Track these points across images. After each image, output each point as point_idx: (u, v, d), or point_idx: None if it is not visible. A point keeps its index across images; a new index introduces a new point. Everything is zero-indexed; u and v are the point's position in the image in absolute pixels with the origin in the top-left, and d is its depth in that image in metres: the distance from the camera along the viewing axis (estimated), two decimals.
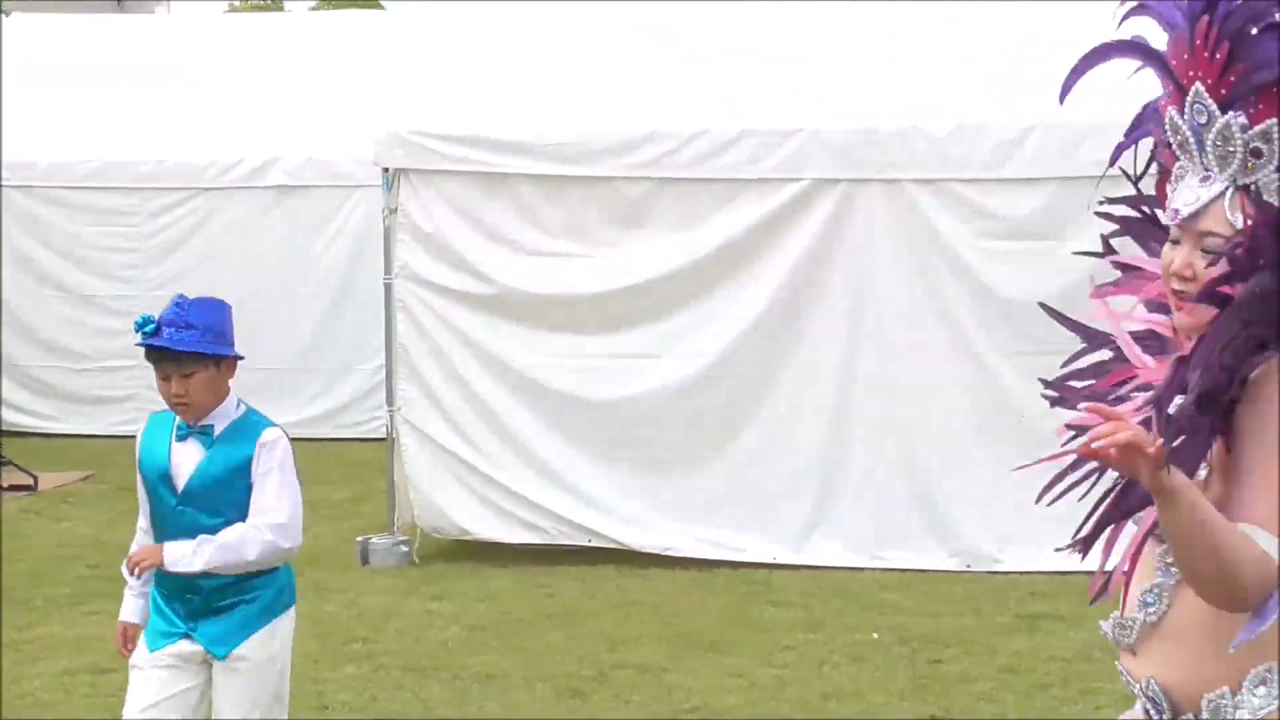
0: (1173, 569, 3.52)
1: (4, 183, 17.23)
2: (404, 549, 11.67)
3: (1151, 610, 3.58)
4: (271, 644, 6.08)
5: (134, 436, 6.24)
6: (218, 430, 5.99)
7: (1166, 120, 3.67)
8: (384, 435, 12.20)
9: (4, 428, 16.99)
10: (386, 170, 11.79)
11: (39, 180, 17.25)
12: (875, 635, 9.71)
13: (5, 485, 14.54)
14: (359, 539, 11.82)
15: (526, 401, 11.62)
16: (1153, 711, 3.61)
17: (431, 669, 9.15)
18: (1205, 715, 3.53)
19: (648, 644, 9.61)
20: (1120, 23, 3.76)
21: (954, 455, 10.89)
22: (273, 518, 5.93)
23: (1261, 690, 3.47)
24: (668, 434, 11.42)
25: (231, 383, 6.08)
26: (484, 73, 13.19)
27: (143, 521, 6.18)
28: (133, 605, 6.19)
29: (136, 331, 5.94)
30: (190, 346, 5.86)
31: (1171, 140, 3.67)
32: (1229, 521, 3.31)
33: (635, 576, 11.14)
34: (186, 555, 5.85)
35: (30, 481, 14.52)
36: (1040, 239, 10.59)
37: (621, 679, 8.93)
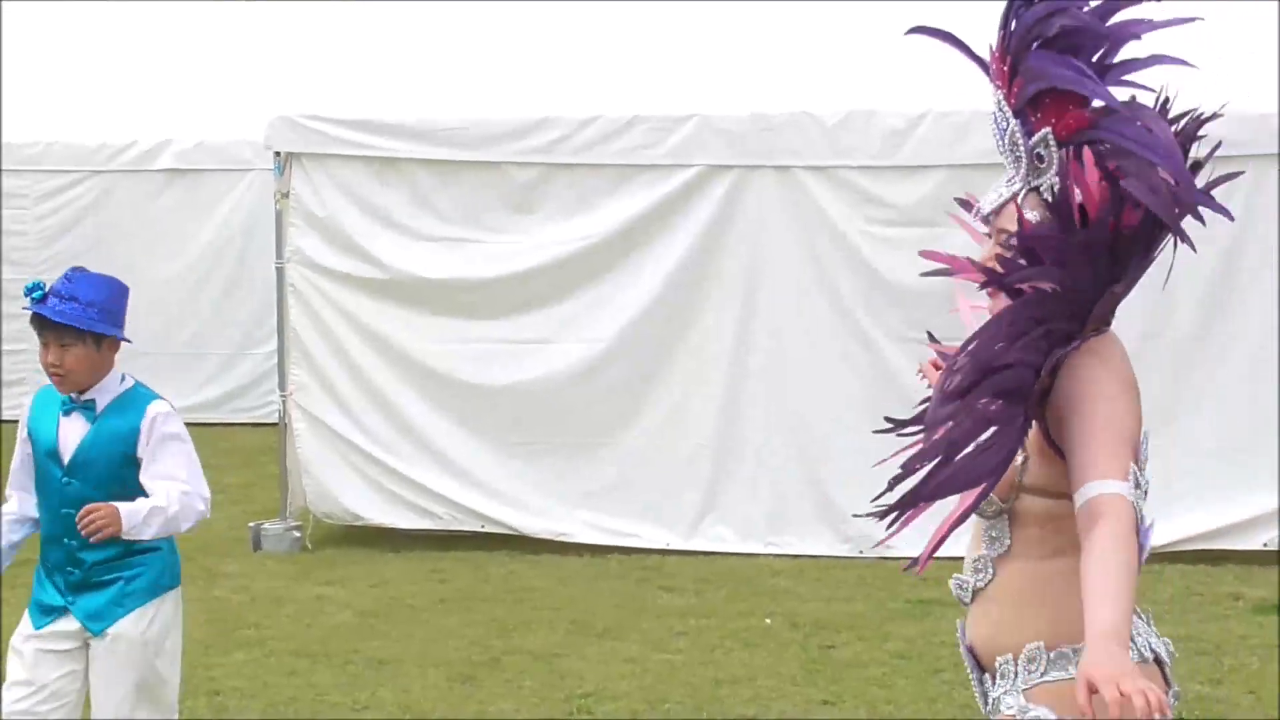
0: (996, 542, 3.96)
1: None
2: (296, 534, 11.65)
3: (980, 578, 4.00)
4: (150, 624, 6.03)
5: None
6: (100, 405, 5.99)
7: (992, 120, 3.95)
8: (276, 420, 12.15)
9: None
10: (278, 154, 11.74)
11: None
12: (768, 621, 9.77)
13: None
14: (251, 524, 11.79)
15: (420, 387, 11.60)
16: (969, 665, 4.06)
17: (323, 655, 9.14)
18: (997, 675, 3.96)
19: (540, 630, 9.63)
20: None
21: (845, 441, 10.94)
22: (197, 487, 5.97)
23: (1031, 665, 3.89)
24: (561, 420, 11.44)
25: (119, 361, 6.06)
26: (377, 56, 13.16)
27: (12, 490, 6.16)
28: None
29: (25, 296, 5.95)
30: (68, 319, 5.86)
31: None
32: (1097, 572, 3.51)
33: (528, 563, 11.16)
34: (139, 523, 5.82)
35: None
36: (929, 226, 10.65)
37: (514, 664, 8.95)
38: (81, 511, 5.79)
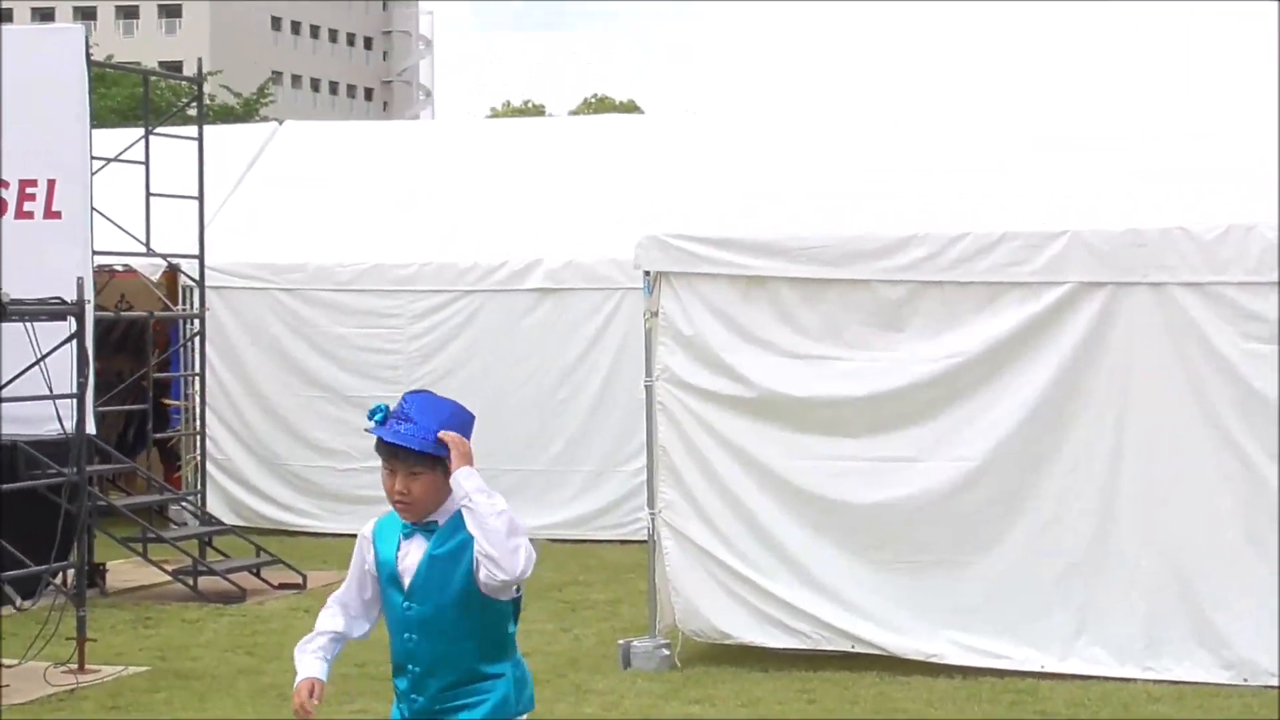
0: None
1: (273, 285, 17.66)
2: (665, 652, 11.68)
3: None
4: None
5: None
6: (441, 523, 5.84)
7: None
8: (644, 537, 12.24)
9: (271, 526, 17.36)
10: (648, 273, 11.88)
11: (305, 283, 17.67)
12: None
13: (275, 584, 14.84)
14: (620, 641, 11.85)
15: (787, 504, 11.59)
16: None
17: None
18: None
19: None
20: None
21: (1224, 562, 10.65)
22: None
23: None
24: (929, 538, 11.32)
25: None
26: (742, 176, 13.23)
27: (340, 596, 6.08)
28: (315, 665, 6.00)
29: (369, 419, 5.83)
30: (407, 441, 5.73)
31: None
32: None
33: (898, 684, 11.03)
34: (476, 481, 5.64)
35: (299, 580, 14.81)
36: None
37: None
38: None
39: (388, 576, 5.92)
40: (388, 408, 5.82)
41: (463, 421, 5.85)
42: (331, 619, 6.11)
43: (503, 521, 5.63)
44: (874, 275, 11.43)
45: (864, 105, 13.10)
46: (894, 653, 11.32)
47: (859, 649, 11.42)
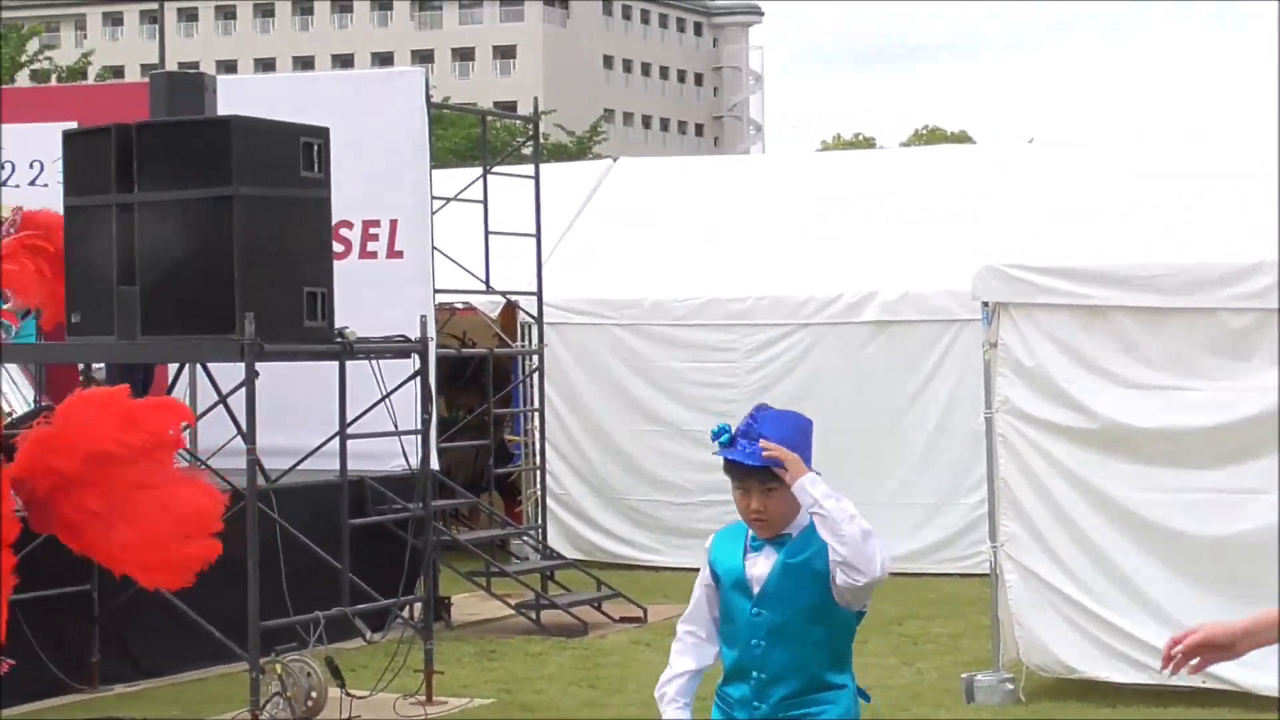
0: None
1: (610, 321, 17.83)
2: (1009, 686, 11.50)
3: None
4: None
5: None
6: (794, 535, 5.86)
7: None
8: (986, 571, 12.09)
9: (611, 560, 17.50)
10: (986, 304, 11.74)
11: (641, 318, 17.80)
12: None
13: (616, 617, 14.95)
14: (963, 675, 11.70)
15: (1133, 537, 11.36)
16: None
17: None
18: None
19: None
20: None
21: None
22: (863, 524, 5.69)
23: None
24: None
25: None
26: (1079, 204, 13.17)
27: (689, 626, 6.08)
28: (680, 716, 6.02)
29: (713, 440, 5.86)
30: (760, 462, 5.74)
31: None
32: None
33: None
34: (821, 487, 5.65)
35: (640, 614, 14.90)
36: None
37: None
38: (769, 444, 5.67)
39: (733, 583, 5.93)
40: (731, 427, 5.85)
41: (804, 430, 5.90)
42: (683, 656, 6.10)
43: (856, 525, 5.64)
44: (1218, 304, 11.16)
45: (1202, 132, 12.83)
46: (1246, 689, 11.00)
47: (1209, 684, 11.12)
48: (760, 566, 5.89)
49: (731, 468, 5.85)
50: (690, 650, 6.09)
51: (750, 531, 5.94)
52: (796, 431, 5.88)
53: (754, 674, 5.88)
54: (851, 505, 5.70)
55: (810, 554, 5.80)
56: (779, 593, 5.83)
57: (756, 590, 5.87)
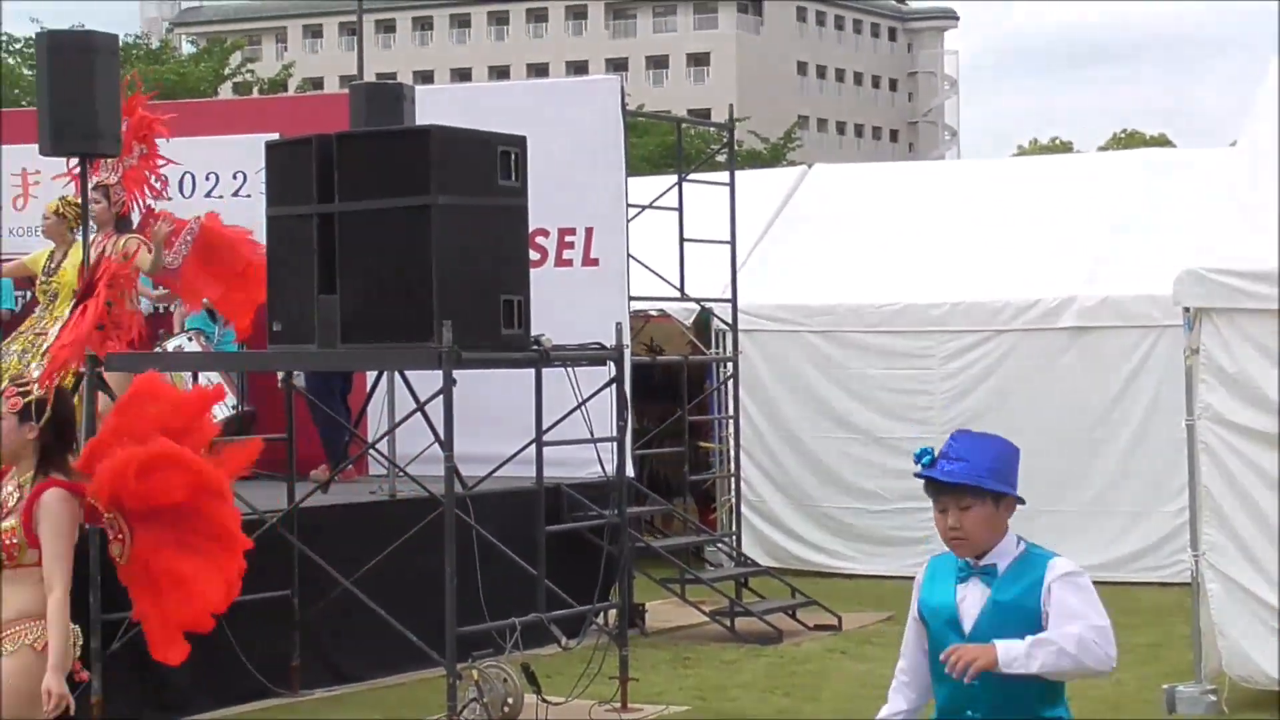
0: None
1: (804, 328, 17.80)
2: (1212, 698, 11.33)
3: None
4: None
5: None
6: (1001, 569, 5.82)
7: None
8: (1187, 580, 11.91)
9: (805, 567, 17.46)
10: (1187, 310, 11.57)
11: (836, 325, 17.75)
12: None
13: (810, 625, 14.91)
14: (1164, 687, 11.54)
15: None
16: None
17: None
18: None
19: None
20: None
21: None
22: (1095, 620, 5.66)
23: None
24: None
25: (1012, 523, 5.91)
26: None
27: (902, 664, 6.06)
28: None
29: (915, 462, 5.87)
30: (959, 478, 5.75)
31: None
32: None
33: None
34: (1020, 655, 5.61)
35: (835, 621, 14.84)
36: None
37: None
38: (947, 651, 5.66)
39: (945, 620, 5.88)
40: (933, 450, 5.86)
41: (1008, 456, 5.86)
42: (897, 694, 6.09)
43: (1066, 655, 5.61)
44: None
45: None
46: None
47: None
48: (969, 603, 5.85)
49: (929, 486, 5.86)
50: (902, 690, 6.09)
51: (959, 561, 5.91)
52: (998, 457, 5.86)
53: (968, 713, 5.85)
54: (1041, 648, 5.62)
55: (1019, 592, 5.78)
56: (991, 632, 5.77)
57: (968, 629, 5.83)
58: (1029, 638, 5.63)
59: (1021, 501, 5.89)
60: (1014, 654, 5.60)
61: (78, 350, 12.41)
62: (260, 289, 12.60)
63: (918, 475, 5.86)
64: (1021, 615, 5.75)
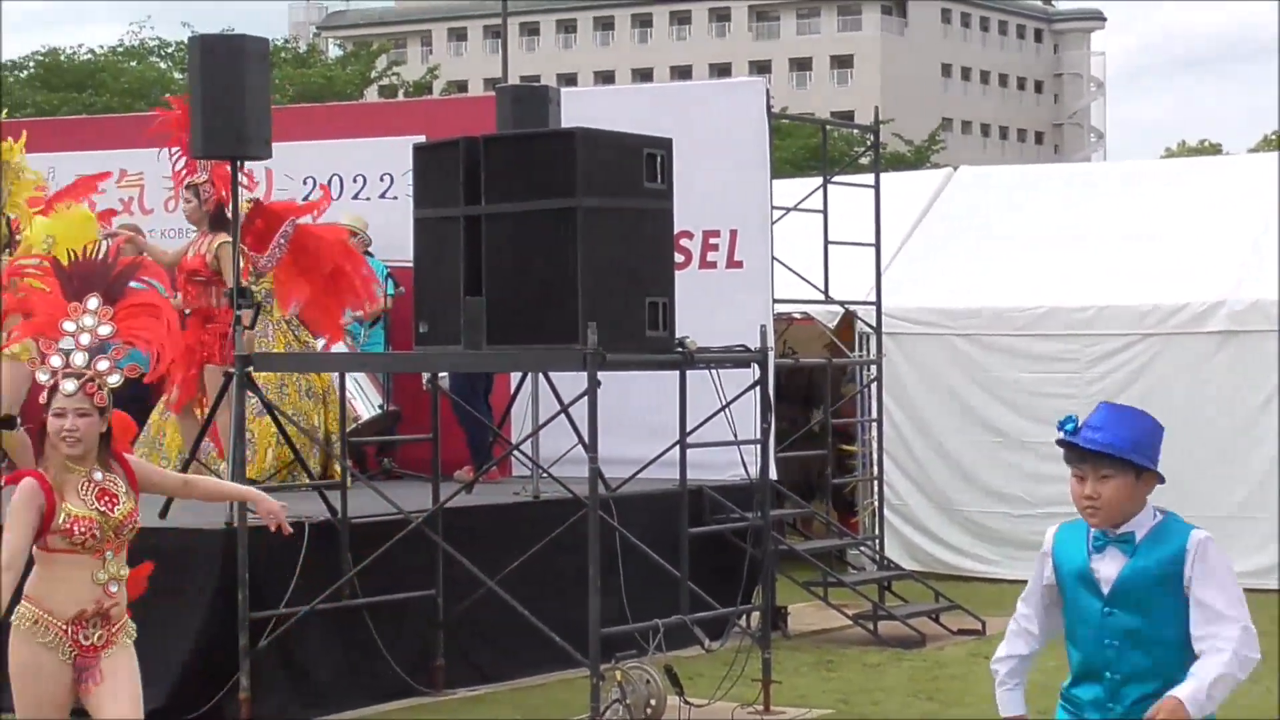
0: None
1: (949, 331, 17.71)
2: None
3: None
4: None
5: None
6: (1139, 536, 5.84)
7: None
8: None
9: (948, 571, 17.37)
10: None
11: (981, 328, 17.65)
12: None
13: (954, 629, 14.83)
14: None
15: None
16: None
17: None
18: None
19: None
20: None
21: None
22: (1242, 621, 5.72)
23: None
24: None
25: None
26: None
27: (1025, 609, 6.12)
28: (1015, 700, 6.12)
29: (1058, 430, 5.88)
30: (1099, 446, 5.77)
31: None
32: None
33: None
34: (1203, 700, 5.66)
35: (979, 626, 14.76)
36: None
37: None
38: (1149, 714, 5.67)
39: (1079, 579, 5.91)
40: (1078, 418, 5.87)
41: (1151, 430, 5.87)
42: (1016, 638, 6.17)
43: (1233, 683, 5.71)
44: None
45: None
46: None
47: None
48: (1108, 567, 5.86)
49: (1069, 452, 5.87)
50: (1022, 635, 6.16)
51: (1092, 531, 5.91)
52: (1142, 431, 5.87)
53: (1106, 674, 5.87)
54: (1223, 679, 5.70)
55: (1161, 559, 5.80)
56: (1131, 595, 5.81)
57: (1106, 590, 5.85)
58: (1206, 684, 5.67)
59: (1161, 479, 5.88)
60: (1199, 700, 5.66)
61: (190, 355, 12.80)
62: (345, 298, 12.79)
63: (1059, 443, 5.89)
64: (1161, 580, 5.79)
